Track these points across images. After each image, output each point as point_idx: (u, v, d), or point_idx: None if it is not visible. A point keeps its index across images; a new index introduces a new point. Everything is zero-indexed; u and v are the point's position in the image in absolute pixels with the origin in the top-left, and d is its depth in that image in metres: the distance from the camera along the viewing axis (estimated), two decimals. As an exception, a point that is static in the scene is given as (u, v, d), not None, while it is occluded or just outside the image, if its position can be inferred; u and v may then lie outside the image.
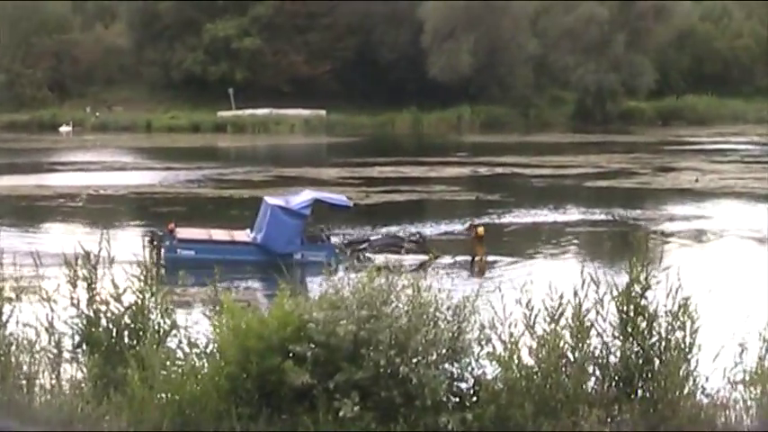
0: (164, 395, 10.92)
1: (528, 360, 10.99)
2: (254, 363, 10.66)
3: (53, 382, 11.62)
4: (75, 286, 11.93)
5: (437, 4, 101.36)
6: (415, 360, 10.55)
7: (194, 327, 11.86)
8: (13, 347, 11.73)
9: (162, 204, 44.37)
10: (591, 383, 11.06)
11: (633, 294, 11.20)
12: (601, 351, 11.12)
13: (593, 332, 11.13)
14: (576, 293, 11.14)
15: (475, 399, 10.85)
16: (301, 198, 31.72)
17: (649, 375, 11.01)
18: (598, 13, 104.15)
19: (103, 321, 11.78)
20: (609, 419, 10.81)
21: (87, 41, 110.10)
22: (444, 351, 10.78)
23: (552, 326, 11.05)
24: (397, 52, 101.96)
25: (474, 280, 26.51)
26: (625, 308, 11.16)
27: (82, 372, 11.62)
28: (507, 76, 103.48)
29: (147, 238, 29.58)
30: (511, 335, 11.05)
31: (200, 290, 12.78)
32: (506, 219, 40.59)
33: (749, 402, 10.93)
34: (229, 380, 10.78)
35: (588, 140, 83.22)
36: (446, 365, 10.82)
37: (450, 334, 10.84)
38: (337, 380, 10.46)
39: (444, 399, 10.70)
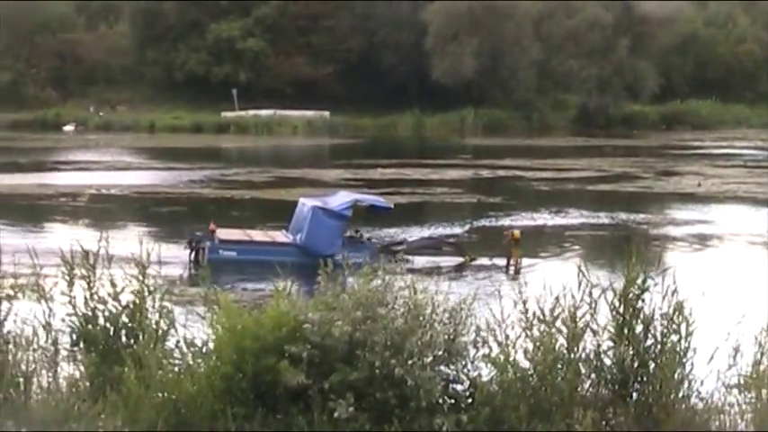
0: (159, 394, 10.95)
1: (523, 362, 11.01)
2: (250, 363, 10.69)
3: (50, 380, 11.65)
4: (73, 285, 11.97)
5: (440, 7, 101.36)
6: (410, 362, 10.58)
7: (194, 326, 11.89)
8: (11, 345, 11.78)
9: (164, 204, 44.41)
10: (586, 386, 11.08)
11: (630, 297, 11.21)
12: (596, 353, 11.15)
13: (588, 334, 11.15)
14: (572, 295, 11.17)
15: (470, 400, 10.88)
16: (340, 199, 31.65)
17: (644, 378, 11.03)
18: (601, 17, 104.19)
19: (101, 320, 11.82)
20: (603, 422, 10.84)
21: (91, 41, 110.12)
22: (440, 353, 10.81)
23: (548, 328, 11.08)
24: (400, 55, 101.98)
25: (510, 281, 27.12)
26: (621, 310, 11.19)
27: (79, 370, 11.64)
28: (510, 80, 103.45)
29: (186, 240, 29.82)
30: (507, 337, 11.08)
31: (220, 289, 12.66)
32: (508, 221, 40.59)
33: (744, 406, 10.95)
34: (225, 380, 10.80)
35: (591, 144, 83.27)
36: (441, 367, 10.85)
37: (446, 336, 10.86)
38: (332, 380, 10.49)
39: (439, 400, 10.72)
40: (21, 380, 11.53)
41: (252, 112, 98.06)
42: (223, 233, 30.84)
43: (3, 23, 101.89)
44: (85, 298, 11.88)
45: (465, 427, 10.49)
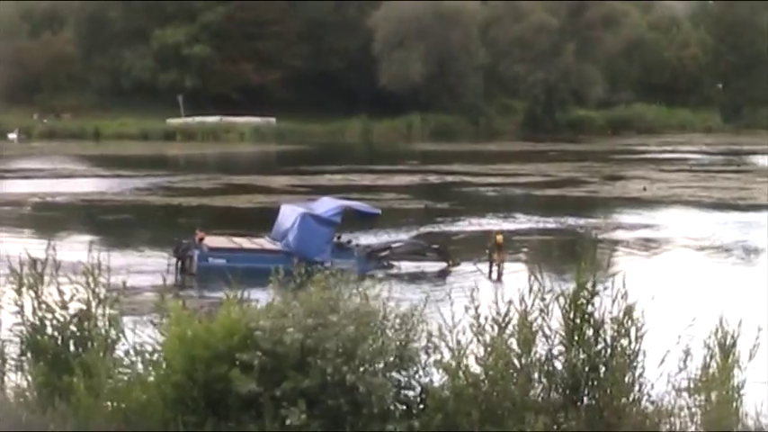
0: (109, 403, 10.85)
1: (475, 368, 11.00)
2: (201, 371, 10.60)
3: (-3, 390, 11.54)
4: (20, 294, 11.83)
5: (387, 13, 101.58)
6: (362, 368, 10.54)
7: (143, 334, 11.78)
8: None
9: (111, 212, 44.10)
10: (537, 390, 11.09)
11: (580, 302, 11.23)
12: (547, 358, 11.16)
13: (539, 339, 11.16)
14: (523, 300, 11.18)
15: (422, 407, 10.85)
16: (326, 205, 31.78)
17: (595, 382, 11.04)
18: (548, 23, 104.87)
19: (49, 329, 11.69)
20: (555, 426, 10.84)
21: (35, 48, 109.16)
22: (392, 359, 10.77)
23: (499, 333, 11.08)
24: (348, 60, 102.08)
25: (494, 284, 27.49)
26: (572, 315, 11.20)
27: (27, 380, 11.52)
28: (457, 85, 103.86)
29: (172, 249, 29.64)
30: (458, 342, 11.06)
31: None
32: (456, 227, 40.70)
33: (693, 409, 10.99)
34: (175, 388, 10.71)
35: (537, 149, 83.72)
36: (393, 374, 10.81)
37: (398, 342, 10.84)
38: (284, 388, 10.43)
39: (391, 407, 10.69)
40: (-34, 390, 11.40)
41: (198, 119, 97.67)
42: (211, 241, 30.72)
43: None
44: (33, 307, 11.74)
45: (417, 432, 10.48)
